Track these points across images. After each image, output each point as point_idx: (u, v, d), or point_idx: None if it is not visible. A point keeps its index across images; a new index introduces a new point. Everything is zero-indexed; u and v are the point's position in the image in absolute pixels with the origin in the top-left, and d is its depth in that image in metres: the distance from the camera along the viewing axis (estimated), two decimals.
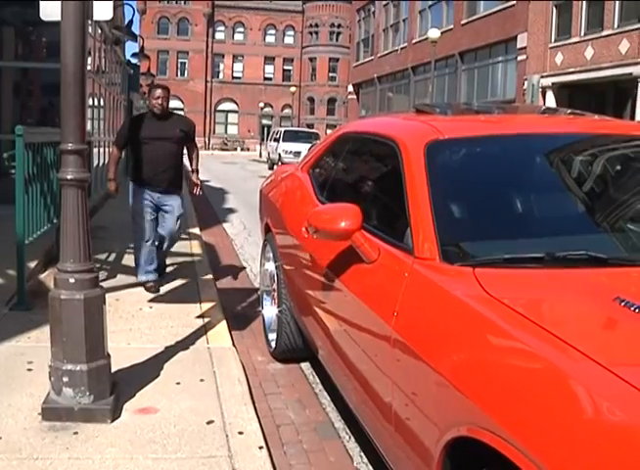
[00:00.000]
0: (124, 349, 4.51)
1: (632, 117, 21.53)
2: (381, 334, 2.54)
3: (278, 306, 4.63)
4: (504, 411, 1.77)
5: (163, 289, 6.20)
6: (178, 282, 6.49)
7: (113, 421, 3.41)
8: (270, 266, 4.95)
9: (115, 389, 3.59)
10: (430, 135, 3.09)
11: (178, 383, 3.98)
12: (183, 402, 3.71)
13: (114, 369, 3.68)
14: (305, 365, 4.78)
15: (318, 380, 4.54)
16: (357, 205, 2.87)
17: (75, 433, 3.28)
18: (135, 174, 6.16)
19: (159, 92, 6.03)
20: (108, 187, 6.32)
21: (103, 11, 3.43)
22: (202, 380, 4.05)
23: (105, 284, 6.28)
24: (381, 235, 2.97)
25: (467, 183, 3.02)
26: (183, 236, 8.28)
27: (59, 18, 3.17)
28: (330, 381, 3.79)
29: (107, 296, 5.85)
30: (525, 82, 25.98)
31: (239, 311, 6.01)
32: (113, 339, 4.56)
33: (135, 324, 5.13)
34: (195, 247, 8.45)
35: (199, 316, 5.32)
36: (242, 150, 66.20)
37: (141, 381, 3.93)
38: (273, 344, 4.80)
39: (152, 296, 5.92)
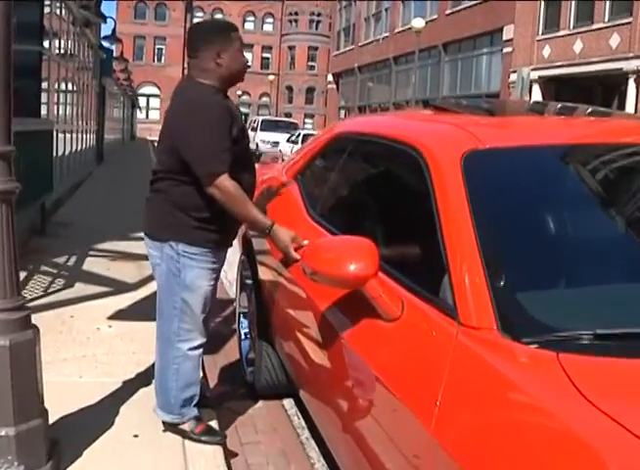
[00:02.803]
0: (75, 384, 3.81)
1: None
2: (412, 436, 1.76)
3: (258, 337, 3.91)
4: None
5: (126, 303, 5.41)
6: (143, 293, 5.72)
7: None
8: (250, 287, 4.22)
9: (55, 451, 2.85)
10: (466, 144, 2.28)
11: (136, 435, 3.27)
12: (142, 464, 3.02)
13: (60, 412, 3.10)
14: (288, 403, 4.09)
15: (304, 423, 3.85)
16: (364, 233, 2.12)
17: None
18: (214, 225, 3.02)
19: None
20: (283, 248, 2.89)
21: None
22: (165, 431, 3.33)
23: (61, 295, 5.59)
24: (401, 279, 2.14)
25: (528, 213, 2.19)
26: None
27: None
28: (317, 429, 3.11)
29: (61, 311, 5.17)
30: (513, 75, 25.41)
31: (212, 329, 5.25)
32: (62, 370, 3.93)
33: (90, 349, 4.39)
34: None
35: None
36: None
37: (91, 433, 3.21)
38: (251, 377, 4.08)
39: (111, 312, 5.13)
